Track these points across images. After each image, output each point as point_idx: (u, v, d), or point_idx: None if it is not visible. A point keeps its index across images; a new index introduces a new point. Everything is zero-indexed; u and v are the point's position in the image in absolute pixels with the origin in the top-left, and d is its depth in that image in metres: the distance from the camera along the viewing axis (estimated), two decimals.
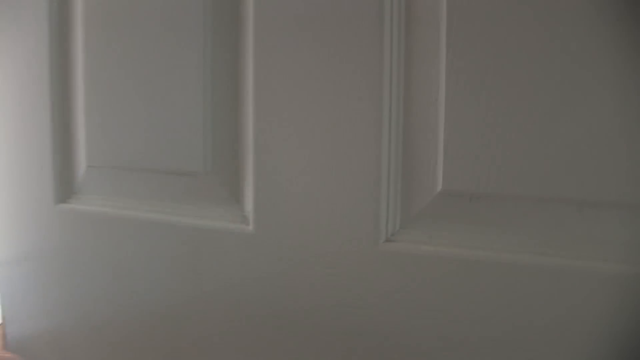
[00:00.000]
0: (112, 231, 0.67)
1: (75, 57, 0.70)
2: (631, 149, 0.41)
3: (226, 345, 0.60)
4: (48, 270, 0.74)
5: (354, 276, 0.52)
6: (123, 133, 0.66)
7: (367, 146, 0.50)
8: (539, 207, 0.45)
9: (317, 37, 0.51)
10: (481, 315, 0.47)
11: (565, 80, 0.42)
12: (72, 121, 0.71)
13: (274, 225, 0.56)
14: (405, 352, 0.50)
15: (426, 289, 0.49)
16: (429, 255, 0.48)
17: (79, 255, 0.70)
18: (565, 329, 0.43)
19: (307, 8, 0.52)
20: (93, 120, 0.69)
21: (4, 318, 0.80)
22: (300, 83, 0.53)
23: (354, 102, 0.50)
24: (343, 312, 0.53)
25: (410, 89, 0.49)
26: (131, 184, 0.67)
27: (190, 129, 0.61)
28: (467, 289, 0.47)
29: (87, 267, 0.70)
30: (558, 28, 0.42)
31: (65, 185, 0.72)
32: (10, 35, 0.73)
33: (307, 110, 0.53)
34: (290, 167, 0.54)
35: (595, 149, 0.42)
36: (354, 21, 0.50)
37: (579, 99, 0.42)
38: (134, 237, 0.66)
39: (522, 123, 0.44)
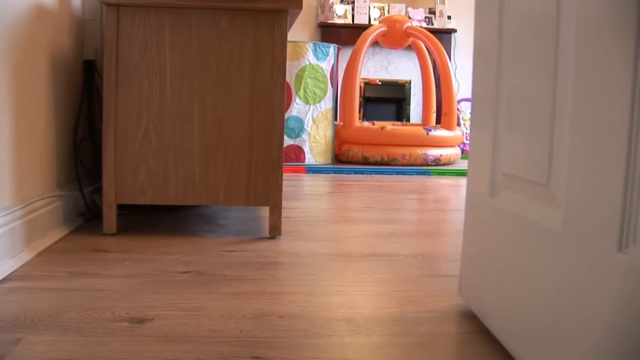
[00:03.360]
0: (494, 217, 0.95)
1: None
2: None
3: None
4: None
5: (596, 275, 0.65)
6: (517, 151, 0.93)
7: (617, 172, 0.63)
8: None
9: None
10: None
11: None
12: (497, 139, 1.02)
13: (572, 226, 0.73)
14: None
15: None
16: None
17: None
18: None
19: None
20: (509, 140, 0.98)
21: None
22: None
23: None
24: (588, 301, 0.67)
25: None
26: (516, 187, 0.94)
27: (539, 155, 0.83)
28: None
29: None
30: None
31: (493, 186, 1.04)
32: None
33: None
34: (583, 184, 0.70)
35: None
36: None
37: None
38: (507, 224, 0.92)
39: None
